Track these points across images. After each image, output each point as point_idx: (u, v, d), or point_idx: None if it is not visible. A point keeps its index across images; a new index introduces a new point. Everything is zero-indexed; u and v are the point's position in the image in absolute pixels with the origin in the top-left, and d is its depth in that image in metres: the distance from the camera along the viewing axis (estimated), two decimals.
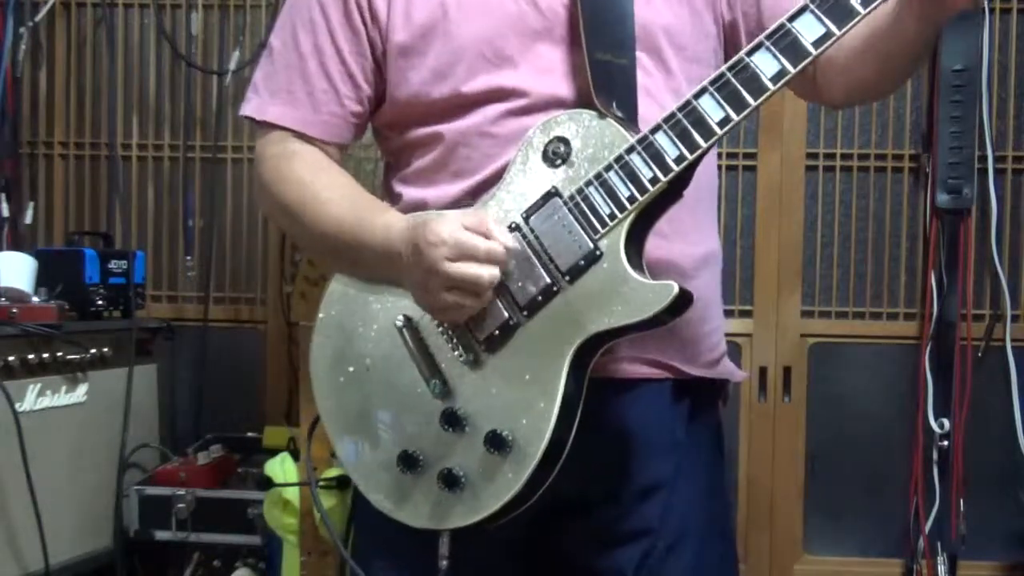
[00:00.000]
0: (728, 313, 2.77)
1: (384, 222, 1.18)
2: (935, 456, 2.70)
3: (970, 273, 2.72)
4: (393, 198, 1.30)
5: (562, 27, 1.20)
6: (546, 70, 1.20)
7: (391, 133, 1.31)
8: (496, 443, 1.11)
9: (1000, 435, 2.72)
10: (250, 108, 1.30)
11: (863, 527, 2.78)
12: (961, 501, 2.67)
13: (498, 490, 1.11)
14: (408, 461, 1.16)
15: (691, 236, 1.25)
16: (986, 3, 2.66)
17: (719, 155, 2.73)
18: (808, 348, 2.78)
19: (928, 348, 2.72)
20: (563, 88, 1.19)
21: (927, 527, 2.69)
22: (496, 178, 1.17)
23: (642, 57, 1.21)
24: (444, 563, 1.15)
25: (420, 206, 1.24)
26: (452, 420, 1.14)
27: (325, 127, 1.27)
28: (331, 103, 1.26)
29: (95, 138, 2.99)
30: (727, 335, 2.84)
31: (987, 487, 2.72)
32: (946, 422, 2.68)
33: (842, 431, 2.79)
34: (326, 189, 1.24)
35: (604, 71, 1.16)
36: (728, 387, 1.36)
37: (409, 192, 1.27)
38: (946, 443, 2.69)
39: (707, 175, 1.31)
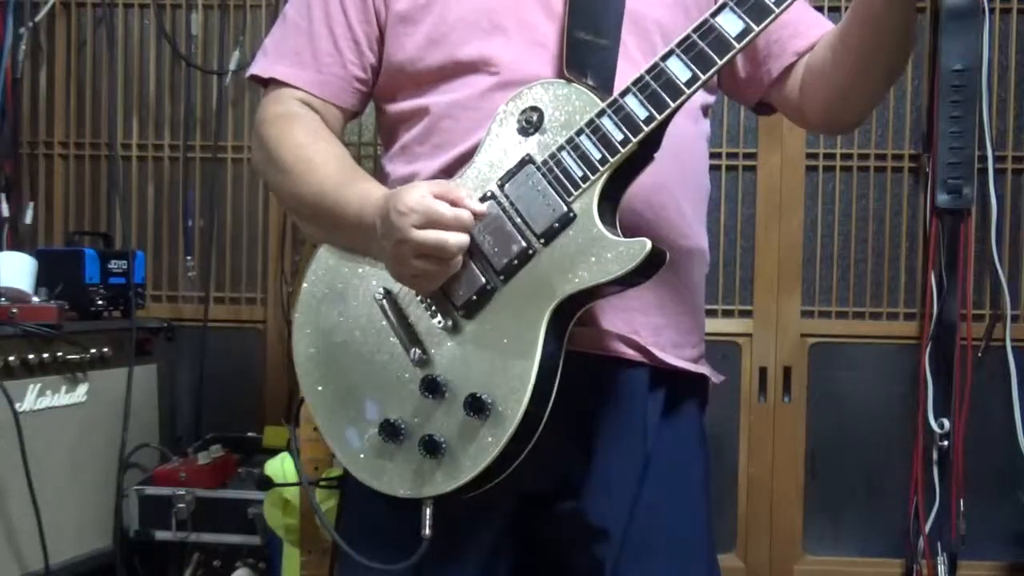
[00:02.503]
0: (728, 313, 2.78)
1: (360, 191, 1.21)
2: (935, 456, 2.71)
3: (970, 273, 2.72)
4: (383, 177, 1.32)
5: (558, 5, 1.23)
6: (536, 44, 1.22)
7: (384, 104, 1.34)
8: (475, 407, 1.12)
9: (1000, 435, 2.72)
10: (257, 67, 1.35)
11: (863, 527, 2.79)
12: (961, 501, 2.67)
13: (478, 454, 1.12)
14: (390, 430, 1.17)
15: (678, 228, 1.27)
16: (986, 3, 2.66)
17: (719, 155, 2.76)
18: (808, 348, 2.79)
19: (928, 348, 2.72)
20: (546, 65, 1.21)
21: (927, 527, 2.69)
22: (475, 152, 1.20)
23: (630, 42, 1.23)
24: (427, 531, 1.16)
25: (406, 181, 1.25)
26: (432, 387, 1.15)
27: (327, 86, 1.31)
28: (335, 65, 1.31)
29: (95, 138, 2.99)
30: (727, 335, 2.87)
31: (987, 487, 2.72)
32: (946, 422, 2.68)
33: (842, 431, 2.79)
34: (318, 154, 1.26)
35: (580, 48, 1.19)
36: (708, 388, 1.36)
37: (395, 168, 1.30)
38: (946, 443, 2.69)
39: (696, 173, 1.32)
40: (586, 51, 1.19)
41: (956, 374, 2.68)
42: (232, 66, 2.90)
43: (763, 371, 2.77)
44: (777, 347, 2.78)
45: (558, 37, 1.21)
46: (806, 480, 2.79)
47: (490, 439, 1.11)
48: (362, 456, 1.21)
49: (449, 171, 1.22)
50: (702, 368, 1.33)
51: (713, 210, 2.78)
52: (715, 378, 1.35)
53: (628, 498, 1.24)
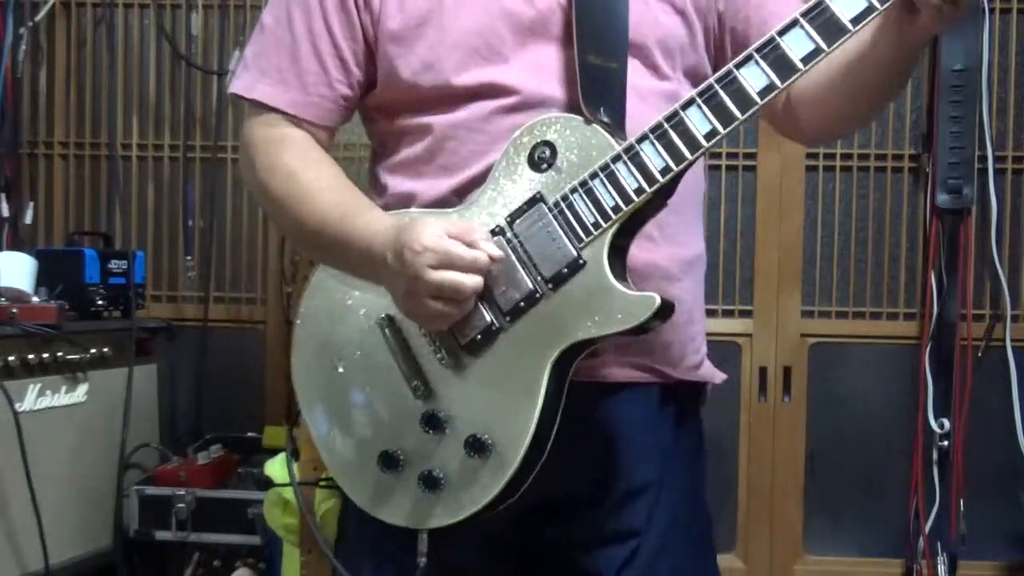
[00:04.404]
0: (728, 313, 2.78)
1: (367, 222, 1.17)
2: (935, 456, 2.71)
3: (970, 273, 2.72)
4: (379, 188, 1.29)
5: (556, 25, 1.19)
6: (538, 67, 1.19)
7: (380, 117, 1.29)
8: (476, 447, 1.11)
9: (1000, 435, 2.72)
10: (239, 85, 1.28)
11: (863, 527, 2.79)
12: (961, 501, 2.67)
13: (477, 494, 1.12)
14: (388, 461, 1.16)
15: (679, 239, 1.25)
16: (986, 3, 2.66)
17: (719, 155, 2.76)
18: (808, 348, 2.79)
19: (928, 348, 2.72)
20: (554, 88, 1.18)
21: (927, 527, 2.69)
22: (483, 176, 1.17)
23: (634, 62, 1.20)
24: (422, 560, 1.15)
25: (407, 199, 1.23)
26: (433, 422, 1.14)
27: (314, 109, 1.25)
28: (321, 86, 1.25)
29: (95, 138, 2.99)
30: (727, 335, 2.87)
31: (987, 487, 2.72)
32: (946, 422, 2.68)
33: (842, 431, 2.79)
34: (314, 181, 1.23)
35: (594, 75, 1.16)
36: (708, 390, 1.36)
37: (396, 183, 1.26)
38: (946, 443, 2.69)
39: (693, 176, 1.30)
40: (598, 78, 1.16)
41: (956, 374, 2.68)
42: (232, 66, 2.90)
43: (763, 371, 2.77)
44: (777, 347, 2.78)
45: (565, 60, 1.18)
46: (806, 480, 2.79)
47: (490, 480, 1.11)
48: (359, 481, 1.20)
49: (456, 193, 1.19)
50: (706, 376, 1.33)
51: (713, 210, 2.78)
52: (717, 379, 1.35)
53: (646, 508, 1.25)
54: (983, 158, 2.69)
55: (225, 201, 2.97)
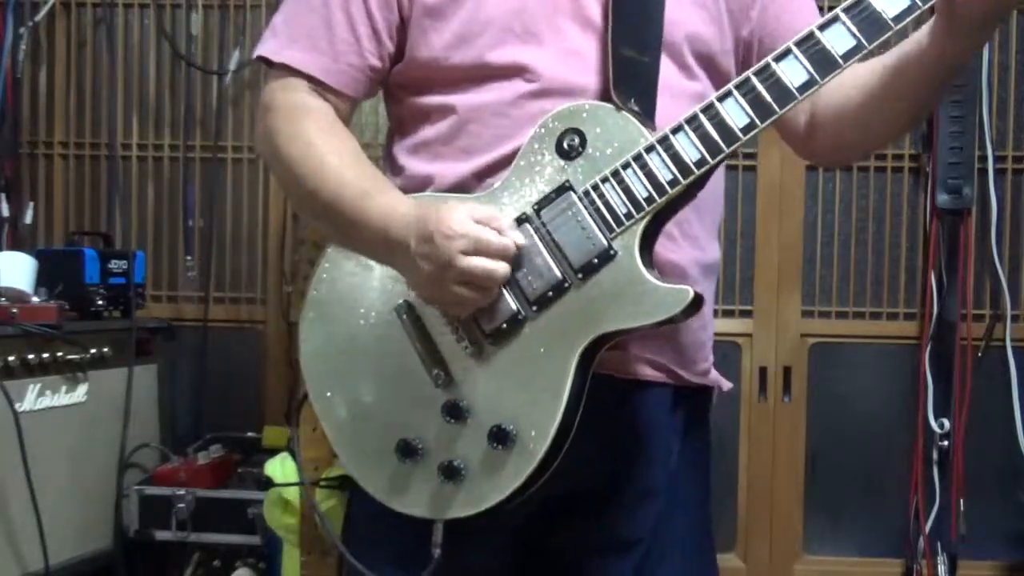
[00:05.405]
0: (728, 313, 2.78)
1: (386, 203, 1.14)
2: (935, 456, 2.71)
3: (970, 273, 2.72)
4: (395, 168, 1.26)
5: (593, 13, 1.18)
6: (571, 54, 1.17)
7: (403, 95, 1.27)
8: (500, 438, 1.10)
9: (1000, 435, 2.72)
10: (265, 49, 1.25)
11: (863, 527, 2.79)
12: (961, 501, 2.67)
13: (499, 485, 1.10)
14: (407, 450, 1.14)
15: (700, 242, 1.24)
16: None
17: None
18: (808, 348, 2.79)
19: (928, 348, 2.72)
20: (585, 77, 1.16)
21: (927, 527, 2.69)
22: (505, 161, 1.15)
23: (666, 60, 1.19)
24: (437, 551, 1.13)
25: (425, 182, 1.21)
26: (454, 411, 1.12)
27: (341, 76, 1.23)
28: (351, 54, 1.22)
29: (95, 138, 2.99)
30: (727, 335, 2.87)
31: (987, 487, 2.72)
32: (946, 422, 2.68)
33: (842, 431, 2.79)
34: (333, 153, 1.19)
35: (626, 67, 1.14)
36: (714, 398, 1.36)
37: (413, 165, 1.23)
38: (946, 443, 2.69)
39: (715, 181, 1.30)
40: (630, 69, 1.14)
41: (956, 374, 2.68)
42: (232, 66, 2.90)
43: (763, 371, 2.77)
44: (777, 347, 2.78)
45: (599, 49, 1.16)
46: (806, 480, 2.79)
47: (513, 471, 1.10)
48: (374, 471, 1.18)
49: (476, 177, 1.18)
50: (714, 381, 1.33)
51: None
52: (724, 386, 1.34)
53: (654, 512, 1.24)
54: (983, 158, 2.70)
55: (225, 201, 2.97)
